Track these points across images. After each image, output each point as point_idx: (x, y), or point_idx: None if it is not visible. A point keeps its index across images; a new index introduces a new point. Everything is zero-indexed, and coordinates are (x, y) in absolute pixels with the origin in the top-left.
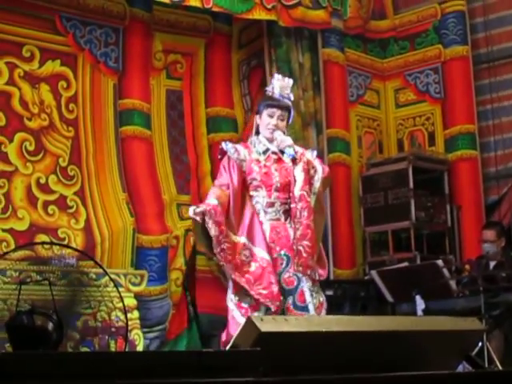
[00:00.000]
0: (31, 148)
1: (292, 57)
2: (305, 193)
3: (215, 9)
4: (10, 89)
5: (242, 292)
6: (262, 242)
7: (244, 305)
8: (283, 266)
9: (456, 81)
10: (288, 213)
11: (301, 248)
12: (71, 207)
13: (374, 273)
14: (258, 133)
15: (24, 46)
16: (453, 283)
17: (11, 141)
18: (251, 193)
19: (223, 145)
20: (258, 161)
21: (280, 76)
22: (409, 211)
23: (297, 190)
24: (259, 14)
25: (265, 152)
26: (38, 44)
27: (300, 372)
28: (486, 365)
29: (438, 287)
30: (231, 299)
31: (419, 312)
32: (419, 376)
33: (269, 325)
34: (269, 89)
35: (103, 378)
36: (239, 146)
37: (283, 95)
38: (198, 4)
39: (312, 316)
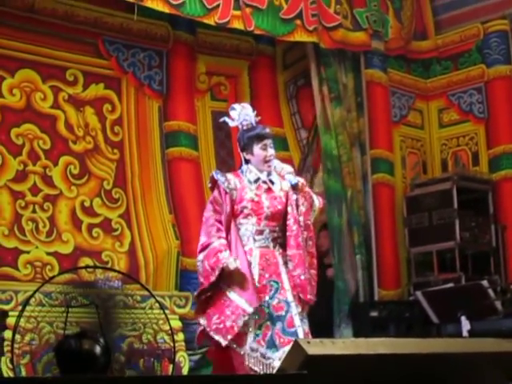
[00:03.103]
0: (76, 171)
1: (338, 77)
2: (309, 222)
3: (257, 31)
4: (55, 112)
5: None
6: (246, 269)
7: None
8: (272, 292)
9: (499, 100)
10: (276, 241)
11: (311, 278)
12: (116, 230)
13: (418, 294)
14: (246, 162)
15: (67, 69)
16: (498, 304)
17: (56, 164)
18: (240, 220)
19: (214, 174)
20: (250, 189)
21: (238, 105)
22: (453, 231)
23: (302, 219)
24: (300, 36)
25: (256, 181)
26: (81, 68)
27: None
28: None
29: (483, 308)
30: None
31: (464, 333)
32: None
33: (316, 348)
34: (237, 118)
35: None
36: (230, 175)
37: (257, 122)
38: (240, 26)
39: (358, 339)
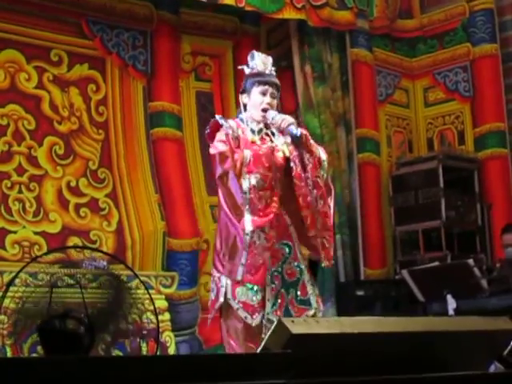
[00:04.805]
0: (61, 152)
1: (322, 57)
2: (318, 179)
3: (248, 8)
4: (40, 92)
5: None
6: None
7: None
8: (285, 256)
9: (485, 79)
10: (282, 198)
11: (324, 241)
12: (103, 209)
13: (404, 272)
14: (243, 109)
15: (52, 50)
16: (484, 282)
17: (41, 145)
18: (244, 175)
19: (217, 118)
20: (253, 140)
21: (259, 52)
22: (439, 210)
23: (310, 176)
24: (289, 14)
25: (259, 132)
26: (66, 48)
27: (332, 374)
28: None
29: (469, 286)
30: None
31: (450, 311)
32: (451, 377)
33: (300, 327)
34: (251, 64)
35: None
36: (232, 122)
37: (268, 71)
38: (231, 2)
39: (343, 318)
